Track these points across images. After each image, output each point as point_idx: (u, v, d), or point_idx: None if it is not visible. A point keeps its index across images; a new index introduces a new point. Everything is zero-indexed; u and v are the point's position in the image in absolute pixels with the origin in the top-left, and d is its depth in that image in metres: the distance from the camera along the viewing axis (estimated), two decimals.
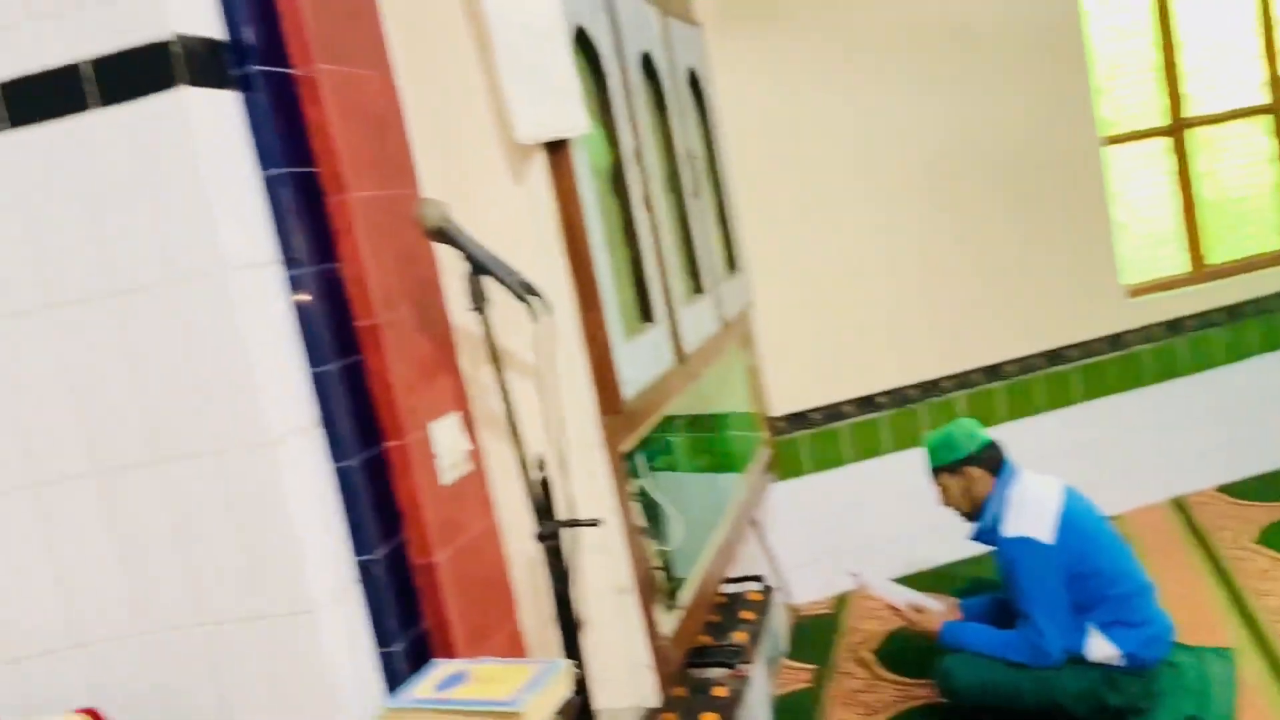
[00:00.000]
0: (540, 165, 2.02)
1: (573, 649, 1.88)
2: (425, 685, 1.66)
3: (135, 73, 1.60)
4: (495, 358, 1.84)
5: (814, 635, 3.83)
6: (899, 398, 4.17)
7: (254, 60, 1.72)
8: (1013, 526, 2.89)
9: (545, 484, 1.87)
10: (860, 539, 4.09)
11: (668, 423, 2.96)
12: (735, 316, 3.26)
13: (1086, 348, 4.28)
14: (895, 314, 4.10)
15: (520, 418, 1.91)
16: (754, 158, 3.80)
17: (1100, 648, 2.82)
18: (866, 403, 4.15)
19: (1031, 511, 2.88)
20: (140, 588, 1.73)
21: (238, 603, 1.71)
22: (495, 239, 1.98)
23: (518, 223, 2.03)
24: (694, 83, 3.30)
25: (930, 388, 4.19)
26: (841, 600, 4.02)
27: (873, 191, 4.01)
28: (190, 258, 1.63)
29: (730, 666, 3.09)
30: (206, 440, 1.68)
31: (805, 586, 4.07)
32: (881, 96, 3.96)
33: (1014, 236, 4.17)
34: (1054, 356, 4.27)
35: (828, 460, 4.15)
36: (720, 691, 2.95)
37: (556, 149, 2.05)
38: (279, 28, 1.78)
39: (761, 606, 3.55)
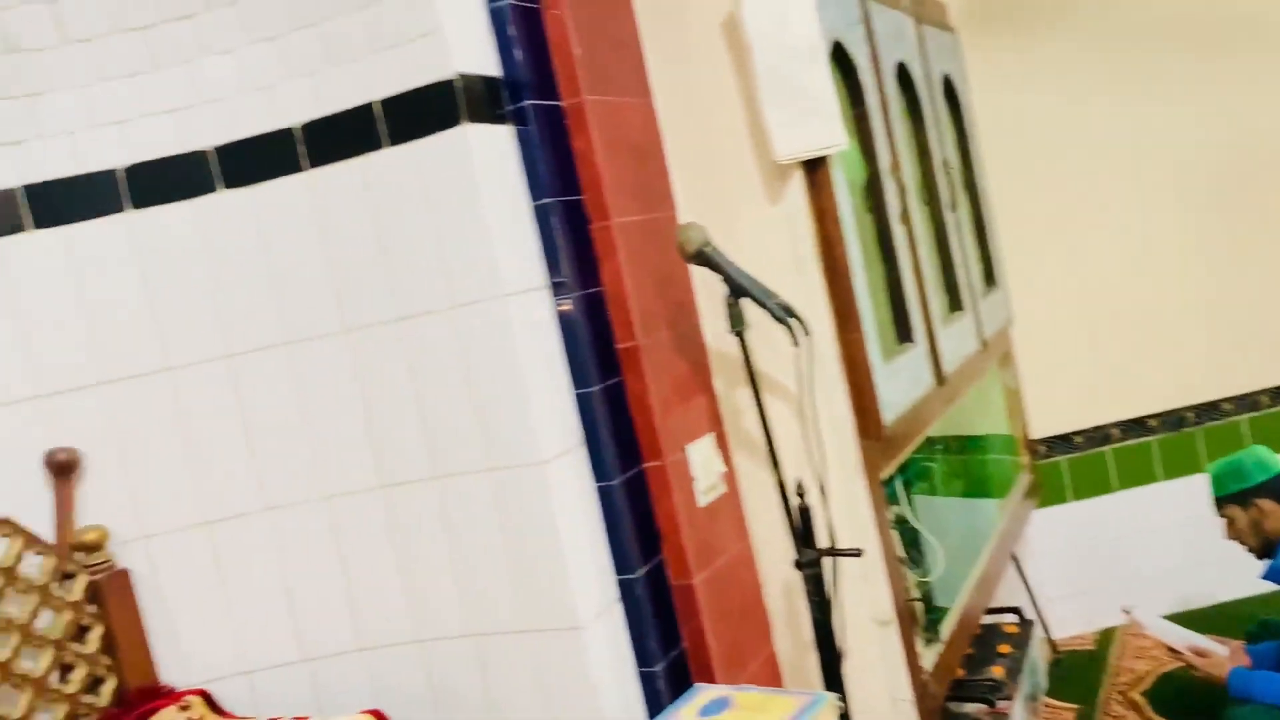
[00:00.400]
0: (798, 184, 1.99)
1: (834, 680, 1.83)
2: (689, 710, 1.66)
3: (422, 111, 1.70)
4: (753, 381, 1.82)
5: (1077, 673, 3.58)
6: (1172, 420, 3.84)
7: (527, 95, 1.79)
8: None
9: (805, 510, 1.84)
10: (1127, 572, 3.79)
11: (927, 447, 2.85)
12: (994, 334, 3.10)
13: None
14: (1169, 329, 3.78)
15: (778, 442, 1.90)
16: (1012, 166, 3.60)
17: None
18: (1135, 425, 3.84)
19: None
20: (418, 598, 1.83)
21: (509, 616, 1.77)
22: (752, 260, 1.96)
23: (775, 243, 2.01)
24: (949, 91, 3.17)
25: (1209, 410, 3.83)
26: (1106, 636, 3.74)
27: (1142, 199, 3.72)
28: (471, 284, 1.71)
29: (989, 703, 2.93)
30: (482, 458, 1.75)
31: (1067, 621, 3.81)
32: (1151, 98, 3.67)
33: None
34: None
35: (1092, 487, 3.87)
36: None
37: (814, 167, 2.01)
38: (549, 62, 1.84)
39: (1019, 640, 3.35)
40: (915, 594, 2.23)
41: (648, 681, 1.84)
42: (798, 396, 1.93)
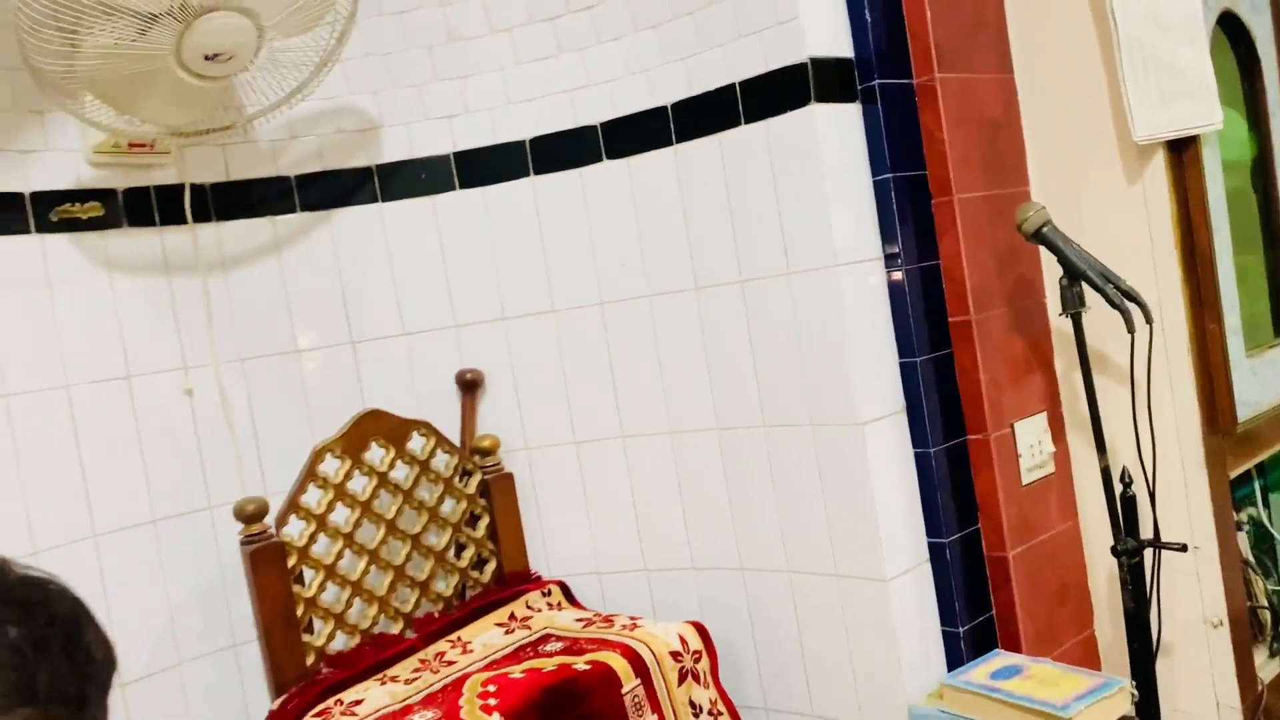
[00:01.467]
0: (1159, 164, 1.92)
1: (1142, 673, 1.81)
2: (981, 671, 1.74)
3: (775, 92, 1.86)
4: (1085, 364, 1.82)
5: None
6: None
7: (878, 74, 1.89)
8: None
9: (1129, 499, 1.81)
10: None
11: None
12: None
13: None
14: None
15: (1112, 428, 1.88)
16: None
17: None
18: None
19: None
20: (745, 530, 2.04)
21: (822, 560, 1.94)
22: (1104, 240, 1.95)
23: (1131, 224, 1.96)
24: None
25: None
26: None
27: None
28: (806, 253, 1.87)
29: None
30: (805, 413, 1.91)
31: None
32: None
33: None
34: None
35: None
36: None
37: (1182, 146, 1.93)
38: (904, 42, 1.92)
39: None
40: (1262, 601, 2.09)
41: (950, 640, 1.92)
42: (1135, 383, 1.89)
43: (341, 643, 1.91)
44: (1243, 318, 2.05)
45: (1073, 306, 1.78)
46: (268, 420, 2.04)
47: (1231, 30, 2.11)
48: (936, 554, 1.93)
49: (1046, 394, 2.06)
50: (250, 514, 1.81)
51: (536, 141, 2.13)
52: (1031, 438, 2.00)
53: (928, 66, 1.91)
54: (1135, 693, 1.69)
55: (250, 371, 2.03)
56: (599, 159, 2.10)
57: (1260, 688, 2.01)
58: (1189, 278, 1.94)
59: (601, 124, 2.09)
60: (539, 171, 2.14)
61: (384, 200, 2.15)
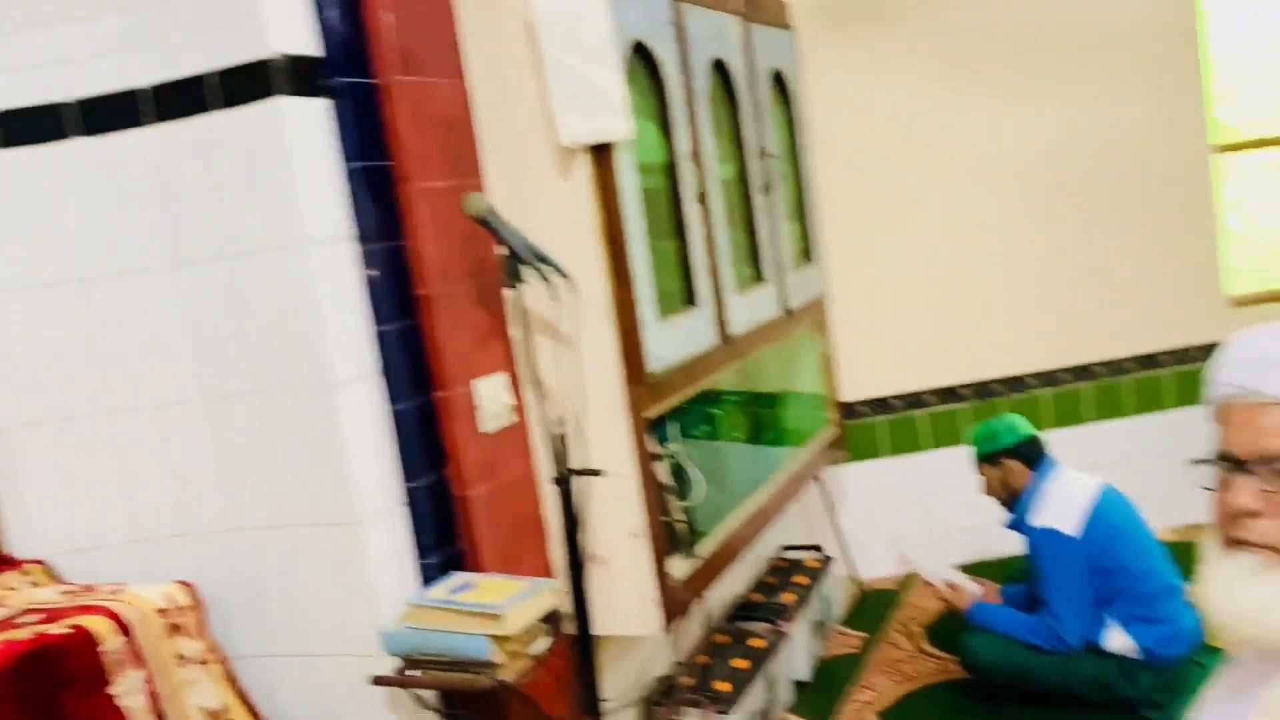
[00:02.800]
0: (583, 165, 2.34)
1: (577, 579, 2.22)
2: (441, 589, 2.04)
3: (245, 83, 2.02)
4: (527, 328, 2.19)
5: (874, 607, 4.05)
6: (982, 391, 4.30)
7: (343, 74, 2.11)
8: (1040, 518, 3.05)
9: (562, 438, 2.22)
10: (934, 523, 4.26)
11: (717, 397, 3.25)
12: (805, 304, 3.50)
13: (1181, 354, 4.29)
14: (983, 310, 4.23)
15: (553, 380, 2.28)
16: (843, 156, 4.00)
17: (1118, 640, 2.96)
18: (949, 393, 4.30)
19: (1060, 505, 3.03)
20: (232, 491, 2.18)
21: (303, 511, 2.14)
22: (546, 228, 2.34)
23: (563, 215, 2.37)
24: (781, 84, 3.54)
25: (1015, 383, 4.30)
26: (909, 578, 4.21)
27: (964, 192, 4.15)
28: (280, 231, 2.05)
29: (772, 622, 3.38)
30: (287, 378, 2.10)
31: (877, 563, 4.27)
32: (977, 95, 4.08)
33: (1113, 239, 4.21)
34: (1146, 361, 4.30)
35: (906, 446, 4.33)
36: (757, 642, 3.26)
37: (601, 150, 2.36)
38: (368, 46, 2.16)
39: (816, 574, 3.81)
40: (678, 517, 2.63)
41: (426, 570, 2.21)
42: (572, 343, 2.31)
43: None
44: (659, 289, 2.55)
45: (514, 280, 2.14)
46: None
47: (646, 57, 2.60)
48: (412, 497, 2.21)
49: (504, 356, 2.42)
50: None
51: (3, 116, 2.10)
52: (491, 393, 2.34)
53: (389, 69, 2.17)
54: (558, 588, 2.08)
55: None
56: (73, 135, 2.12)
57: (674, 584, 2.53)
58: (610, 257, 2.39)
59: (77, 101, 2.11)
60: (6, 145, 2.11)
61: None
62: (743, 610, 3.49)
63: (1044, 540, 3.02)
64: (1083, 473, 3.14)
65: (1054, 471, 3.13)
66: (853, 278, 4.10)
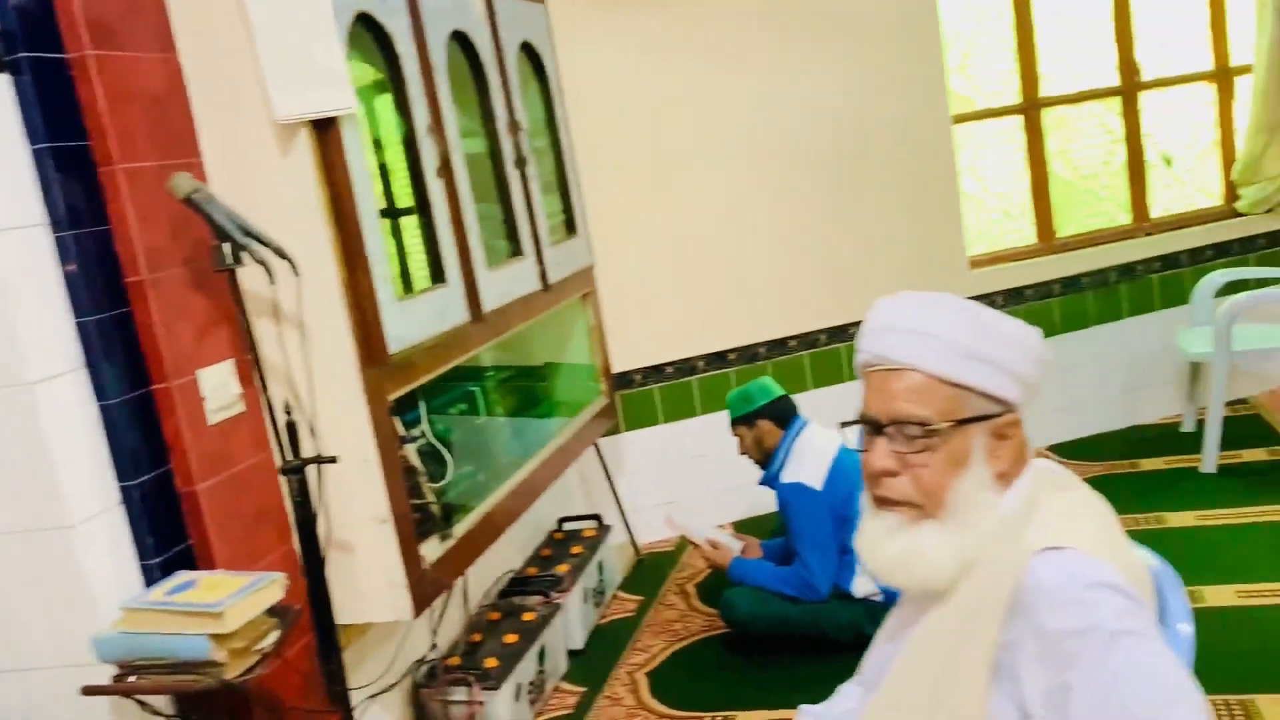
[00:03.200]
0: (304, 141, 2.26)
1: (315, 569, 2.17)
2: (159, 591, 1.95)
3: None
4: (245, 314, 2.11)
5: (652, 571, 4.16)
6: (748, 354, 4.46)
7: (26, 48, 1.96)
8: (790, 473, 3.20)
9: (291, 425, 2.15)
10: (710, 484, 4.40)
11: (479, 373, 3.24)
12: (567, 277, 3.52)
13: None
14: (746, 277, 4.37)
15: (288, 364, 2.21)
16: (601, 128, 4.04)
17: (863, 585, 3.14)
18: (718, 358, 4.44)
19: (809, 461, 3.19)
20: None
21: (8, 518, 1.99)
22: (270, 208, 2.25)
23: (285, 194, 2.28)
24: (535, 57, 3.53)
25: (778, 346, 4.48)
26: (684, 541, 4.34)
27: (722, 165, 4.27)
28: None
29: (546, 595, 3.42)
30: None
31: (654, 528, 4.38)
32: (729, 72, 4.20)
33: (865, 207, 4.43)
34: None
35: (681, 412, 4.45)
36: (529, 616, 3.28)
37: (325, 125, 2.29)
38: (54, 18, 2.01)
39: (593, 543, 3.87)
40: (430, 499, 2.61)
41: (148, 572, 2.11)
42: (302, 327, 2.24)
43: None
44: (404, 267, 2.51)
45: (223, 263, 2.05)
46: None
47: (375, 29, 2.53)
48: (128, 496, 2.10)
49: (231, 342, 2.32)
50: None
51: None
52: (216, 382, 2.25)
53: (81, 43, 2.03)
54: (288, 582, 2.03)
55: None
56: None
57: (426, 567, 2.51)
58: (339, 236, 2.32)
59: None
60: None
61: None
62: (517, 585, 3.52)
63: (792, 494, 3.17)
64: (830, 429, 3.30)
65: (804, 430, 3.29)
66: (620, 249, 4.15)
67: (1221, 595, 3.15)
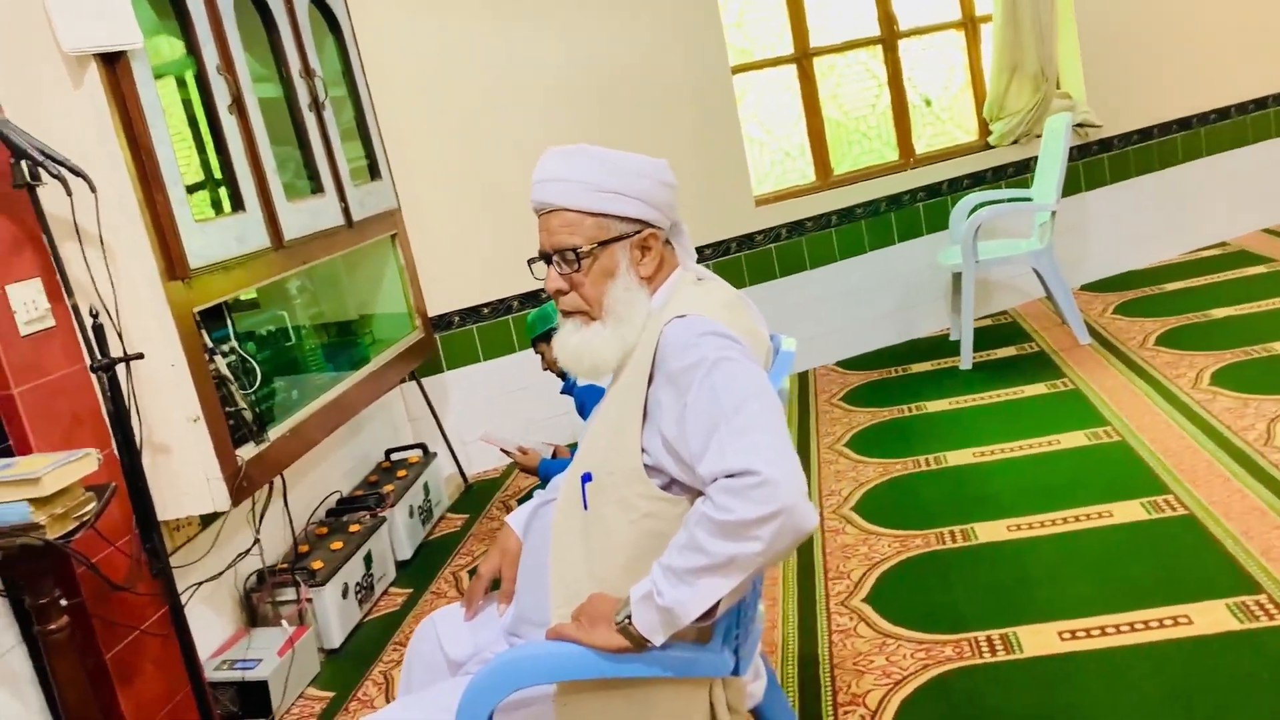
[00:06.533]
0: (94, 74, 2.47)
1: (131, 458, 2.40)
2: None
3: None
4: (47, 229, 2.32)
5: (480, 495, 4.47)
6: None
7: None
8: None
9: (99, 329, 2.37)
10: (531, 415, 4.72)
11: (280, 298, 3.49)
12: (373, 216, 3.78)
13: (721, 247, 5.01)
14: None
15: (91, 283, 2.43)
16: (400, 80, 4.32)
17: None
18: (531, 297, 4.76)
19: None
20: None
21: None
22: (67, 134, 2.45)
23: (79, 123, 2.48)
24: (326, 8, 3.78)
25: None
26: (511, 468, 4.66)
27: (520, 109, 4.59)
28: None
29: (371, 510, 3.68)
30: None
31: (483, 459, 4.69)
32: (524, 23, 4.53)
33: (655, 151, 4.77)
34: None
35: (499, 349, 4.76)
36: (356, 528, 3.54)
37: (114, 60, 2.51)
38: None
39: (417, 468, 4.15)
40: (244, 406, 2.85)
41: None
42: (105, 245, 2.46)
43: None
44: (208, 195, 2.73)
45: (21, 179, 2.26)
46: None
47: None
48: None
49: (39, 261, 2.51)
50: None
51: None
52: (25, 297, 2.44)
53: None
54: (101, 460, 2.26)
55: None
56: None
57: (241, 464, 2.75)
58: (134, 161, 2.54)
59: None
60: None
61: None
62: (344, 504, 3.77)
63: (587, 395, 3.52)
64: None
65: None
66: (429, 197, 4.43)
67: (995, 531, 3.13)
